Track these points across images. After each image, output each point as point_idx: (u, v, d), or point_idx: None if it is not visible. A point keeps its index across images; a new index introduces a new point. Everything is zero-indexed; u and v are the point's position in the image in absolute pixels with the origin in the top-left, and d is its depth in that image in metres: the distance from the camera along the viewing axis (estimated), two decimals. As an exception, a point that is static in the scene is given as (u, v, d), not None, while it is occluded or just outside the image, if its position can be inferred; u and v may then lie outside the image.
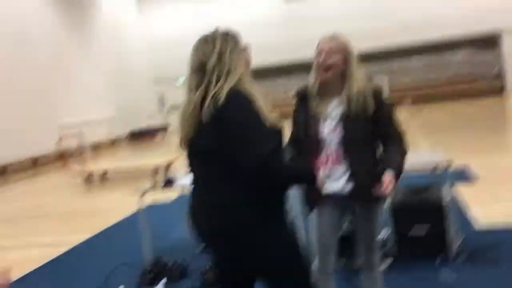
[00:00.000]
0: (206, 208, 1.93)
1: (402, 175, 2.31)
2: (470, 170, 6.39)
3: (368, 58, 20.14)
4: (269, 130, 1.81)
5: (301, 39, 19.15)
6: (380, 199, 2.40)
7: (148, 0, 21.82)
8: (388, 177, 2.21)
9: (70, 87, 16.40)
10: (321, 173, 2.00)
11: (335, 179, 2.38)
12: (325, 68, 2.36)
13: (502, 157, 7.35)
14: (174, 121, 18.09)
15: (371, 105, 2.34)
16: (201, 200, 1.97)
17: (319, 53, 2.38)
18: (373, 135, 2.39)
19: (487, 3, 18.12)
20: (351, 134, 2.35)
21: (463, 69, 19.34)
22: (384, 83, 18.40)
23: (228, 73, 1.87)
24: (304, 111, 2.46)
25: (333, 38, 2.41)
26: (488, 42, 19.31)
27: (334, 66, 2.36)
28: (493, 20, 18.27)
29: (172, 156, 10.79)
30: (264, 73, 21.00)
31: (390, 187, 2.18)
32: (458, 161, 7.03)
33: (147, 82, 21.86)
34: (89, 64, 17.78)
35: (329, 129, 2.38)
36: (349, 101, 2.35)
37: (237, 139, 1.79)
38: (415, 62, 19.81)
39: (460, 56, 19.47)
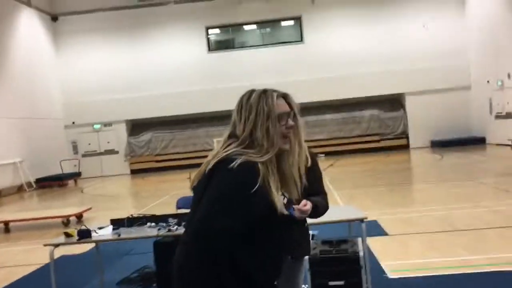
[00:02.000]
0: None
1: (317, 211, 2.45)
2: (380, 225, 6.72)
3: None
4: (241, 209, 1.68)
5: (223, 88, 19.60)
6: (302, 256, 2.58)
7: (65, 44, 21.27)
8: (304, 201, 2.29)
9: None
10: None
11: None
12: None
13: (409, 211, 7.82)
14: (86, 168, 17.59)
15: (307, 162, 2.49)
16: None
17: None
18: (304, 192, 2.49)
19: (393, 69, 19.89)
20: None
21: (372, 126, 20.69)
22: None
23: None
24: None
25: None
26: (394, 102, 20.98)
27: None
28: (397, 83, 20.03)
29: (83, 206, 10.32)
30: (188, 121, 21.11)
31: (308, 206, 2.27)
32: (369, 215, 7.40)
33: (60, 127, 20.97)
34: (-3, 105, 16.78)
35: None
36: None
37: (206, 197, 1.71)
38: (329, 117, 20.87)
39: (369, 114, 20.85)
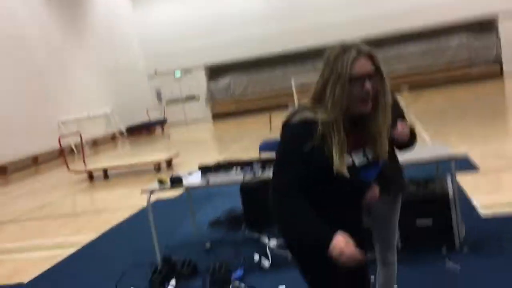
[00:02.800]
0: None
1: (414, 138, 2.43)
2: (471, 159, 6.43)
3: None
4: (296, 166, 1.75)
5: (293, 29, 19.15)
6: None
7: (141, -6, 21.70)
8: (401, 123, 2.29)
9: (67, 85, 16.38)
10: None
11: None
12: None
13: (502, 144, 7.40)
14: (171, 115, 18.22)
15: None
16: None
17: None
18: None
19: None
20: None
21: (460, 54, 19.33)
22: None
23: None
24: None
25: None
26: (485, 26, 19.30)
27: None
28: (488, 4, 18.27)
29: (171, 152, 10.85)
30: (260, 64, 21.04)
31: (406, 129, 2.27)
32: (459, 150, 7.10)
33: (143, 77, 21.82)
34: (84, 61, 17.72)
35: None
36: None
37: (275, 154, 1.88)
38: (412, 48, 19.77)
39: (457, 41, 19.44)
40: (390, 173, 2.44)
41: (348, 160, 1.77)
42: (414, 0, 18.85)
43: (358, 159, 1.81)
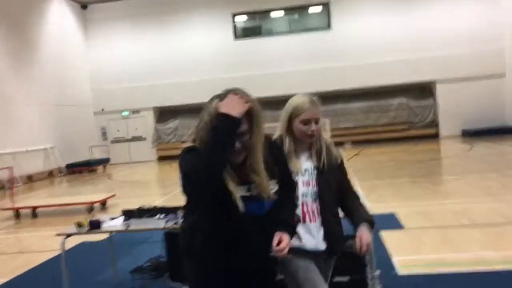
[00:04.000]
0: None
1: (374, 226, 2.48)
2: (397, 218, 6.62)
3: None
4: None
5: (242, 78, 19.57)
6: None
7: (94, 32, 21.64)
8: (364, 233, 2.37)
9: (8, 118, 15.82)
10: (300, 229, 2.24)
11: (310, 236, 2.43)
12: (313, 135, 2.46)
13: (430, 205, 7.68)
14: (115, 154, 17.85)
15: (338, 157, 2.54)
16: None
17: (307, 120, 2.44)
18: (340, 187, 2.55)
19: (423, 56, 19.39)
20: (324, 187, 2.45)
21: (401, 115, 20.30)
22: (326, 124, 19.03)
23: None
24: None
25: (315, 104, 2.48)
26: (423, 90, 20.50)
27: (318, 132, 2.50)
28: (427, 71, 19.53)
29: (108, 192, 10.55)
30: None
31: (368, 244, 2.35)
32: (390, 207, 7.30)
33: (90, 114, 21.43)
34: (28, 94, 17.25)
35: (304, 183, 2.45)
36: (319, 155, 2.49)
37: None
38: (357, 105, 20.59)
39: (398, 102, 20.44)
40: (331, 229, 2.47)
41: (237, 192, 1.93)
42: (361, 64, 19.80)
43: (242, 192, 1.96)
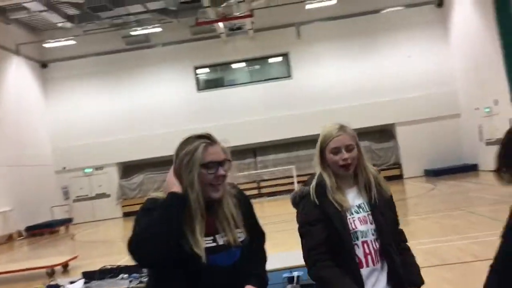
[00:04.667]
0: None
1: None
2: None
3: (277, 147, 21.08)
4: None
5: (214, 126, 19.55)
6: None
7: (54, 90, 21.43)
8: None
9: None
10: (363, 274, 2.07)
11: (376, 279, 2.17)
12: (348, 165, 2.23)
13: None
14: (78, 213, 17.26)
15: (388, 190, 2.29)
16: None
17: (337, 148, 2.23)
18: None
19: (382, 100, 20.03)
20: (384, 224, 2.20)
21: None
22: (292, 171, 19.13)
23: None
24: (330, 206, 2.19)
25: (344, 129, 2.28)
26: (385, 133, 21.02)
27: (354, 160, 2.26)
28: (387, 115, 20.13)
29: (70, 254, 10.11)
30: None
31: None
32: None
33: (50, 173, 20.85)
34: (-14, 154, 16.71)
35: (360, 221, 2.20)
36: (369, 189, 2.25)
37: None
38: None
39: (361, 145, 20.81)
40: (396, 270, 2.21)
41: (202, 243, 1.84)
42: (323, 110, 20.19)
43: (208, 243, 1.86)
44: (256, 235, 2.11)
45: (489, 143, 17.87)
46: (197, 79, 21.67)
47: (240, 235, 1.94)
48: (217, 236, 1.89)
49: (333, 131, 2.26)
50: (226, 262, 1.89)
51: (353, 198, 2.25)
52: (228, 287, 1.91)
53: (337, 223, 2.16)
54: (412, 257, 2.30)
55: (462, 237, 7.41)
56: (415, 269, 2.27)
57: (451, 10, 19.83)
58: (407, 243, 2.35)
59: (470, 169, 18.89)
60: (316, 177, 2.29)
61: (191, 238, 1.81)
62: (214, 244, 1.87)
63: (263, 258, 2.15)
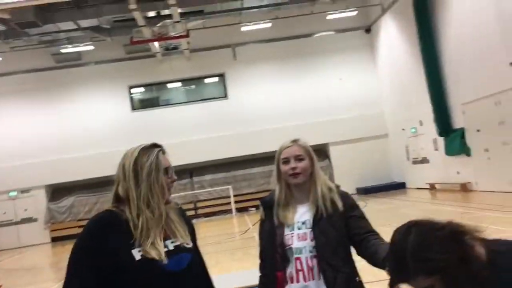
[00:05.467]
0: None
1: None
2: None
3: (214, 167, 21.00)
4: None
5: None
6: None
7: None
8: None
9: None
10: None
11: None
12: (296, 174, 2.29)
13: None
14: (1, 240, 16.16)
15: (340, 203, 2.29)
16: None
17: (286, 159, 2.32)
18: (346, 237, 2.26)
19: (316, 121, 20.57)
20: (323, 240, 2.20)
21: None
22: (229, 190, 19.12)
23: None
24: (268, 222, 2.34)
25: (296, 142, 2.39)
26: (319, 152, 21.56)
27: (304, 170, 2.30)
28: (320, 135, 20.67)
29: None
30: (106, 183, 20.23)
31: None
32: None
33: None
34: None
35: (298, 238, 2.24)
36: (317, 205, 2.26)
37: None
38: (256, 170, 21.03)
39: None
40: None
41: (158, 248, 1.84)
42: (259, 130, 20.46)
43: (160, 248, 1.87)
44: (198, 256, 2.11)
45: (415, 162, 18.84)
46: (132, 99, 21.27)
47: (188, 241, 1.96)
48: (167, 242, 1.90)
49: (286, 144, 2.39)
50: (177, 267, 1.87)
51: (302, 214, 2.29)
52: None
53: (266, 240, 2.31)
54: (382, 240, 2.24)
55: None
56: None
57: (378, 35, 20.91)
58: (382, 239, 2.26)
59: (398, 186, 19.78)
60: (271, 192, 2.42)
61: (150, 244, 1.82)
62: (165, 250, 1.87)
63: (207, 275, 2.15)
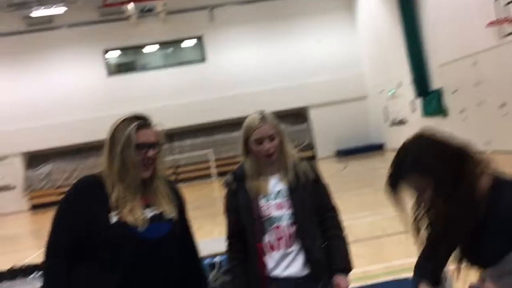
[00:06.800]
0: None
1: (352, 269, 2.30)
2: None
3: (194, 131, 20.91)
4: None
5: (125, 113, 18.92)
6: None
7: None
8: (341, 281, 2.21)
9: None
10: (269, 259, 2.16)
11: (289, 262, 2.25)
12: (270, 154, 2.29)
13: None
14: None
15: (311, 174, 2.34)
16: None
17: (260, 139, 2.29)
18: (317, 206, 2.34)
19: (295, 84, 20.45)
20: (300, 208, 2.26)
21: (279, 140, 21.09)
22: (210, 155, 19.11)
23: None
24: (243, 194, 2.32)
25: (265, 120, 2.32)
26: (298, 116, 21.59)
27: (277, 148, 2.31)
28: (300, 97, 20.64)
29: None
30: (92, 149, 20.04)
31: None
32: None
33: None
34: None
35: (276, 207, 2.28)
36: (292, 174, 2.31)
37: None
38: (236, 134, 21.00)
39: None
40: (312, 254, 2.26)
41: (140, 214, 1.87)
42: (237, 94, 20.29)
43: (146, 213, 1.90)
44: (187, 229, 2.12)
45: (393, 124, 19.05)
46: (107, 64, 20.79)
47: (171, 211, 1.95)
48: (147, 210, 1.90)
49: (255, 122, 2.32)
50: (152, 235, 1.86)
51: (275, 184, 2.33)
52: (154, 260, 1.87)
53: (243, 213, 2.30)
54: (341, 242, 2.34)
55: (371, 213, 7.86)
56: (342, 254, 2.31)
57: (357, -4, 20.68)
58: (340, 229, 2.38)
59: (377, 148, 20.04)
60: (240, 165, 2.42)
61: (128, 211, 1.84)
62: (143, 217, 1.88)
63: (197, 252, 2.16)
